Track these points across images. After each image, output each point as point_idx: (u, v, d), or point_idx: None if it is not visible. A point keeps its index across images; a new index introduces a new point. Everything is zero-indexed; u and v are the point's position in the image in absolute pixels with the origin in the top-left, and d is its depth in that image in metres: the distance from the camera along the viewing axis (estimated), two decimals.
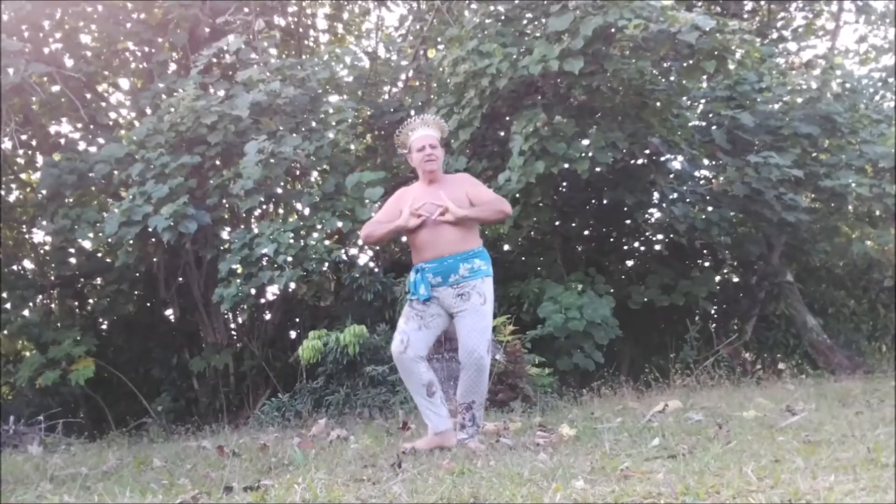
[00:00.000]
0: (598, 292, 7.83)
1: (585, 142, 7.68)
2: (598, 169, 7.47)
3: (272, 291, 9.05)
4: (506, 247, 9.16)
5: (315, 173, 8.68)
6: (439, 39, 9.29)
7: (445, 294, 3.90)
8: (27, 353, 9.34)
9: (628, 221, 9.38)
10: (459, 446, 3.79)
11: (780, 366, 9.67)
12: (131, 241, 7.63)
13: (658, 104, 7.82)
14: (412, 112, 9.09)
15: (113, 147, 8.15)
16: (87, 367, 8.21)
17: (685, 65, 7.52)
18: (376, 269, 8.89)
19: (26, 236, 10.22)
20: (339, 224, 7.51)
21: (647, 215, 9.20)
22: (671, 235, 8.92)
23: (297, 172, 8.85)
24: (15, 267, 9.71)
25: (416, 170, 4.15)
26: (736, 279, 10.35)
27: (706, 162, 8.93)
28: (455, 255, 3.88)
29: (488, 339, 3.91)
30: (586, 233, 9.56)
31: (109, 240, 7.74)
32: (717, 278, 9.73)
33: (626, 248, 9.81)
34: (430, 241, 3.91)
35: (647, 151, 8.54)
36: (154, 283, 9.62)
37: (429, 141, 4.01)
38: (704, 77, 8.23)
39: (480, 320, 3.87)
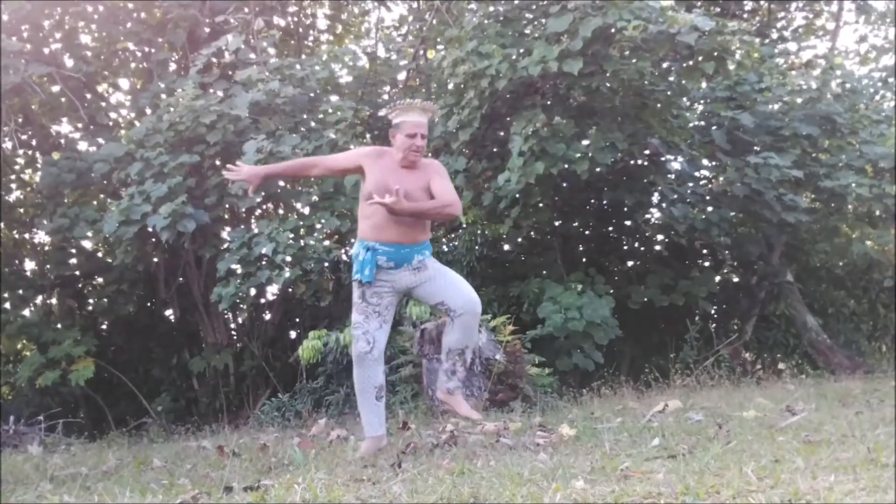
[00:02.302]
0: (597, 292, 7.82)
1: (585, 142, 7.69)
2: (597, 169, 7.46)
3: (272, 291, 9.06)
4: (506, 247, 9.16)
5: None
6: (439, 40, 9.29)
7: (400, 275, 3.89)
8: (27, 353, 9.34)
9: (628, 222, 9.38)
10: (452, 392, 3.97)
11: (780, 366, 9.67)
12: (130, 241, 7.63)
13: (658, 105, 7.82)
14: None
15: (112, 146, 8.15)
16: (87, 367, 8.22)
17: (685, 66, 7.52)
18: None
19: (26, 236, 10.22)
20: (338, 223, 7.51)
21: (646, 216, 9.20)
22: (671, 236, 8.92)
23: None
24: (15, 267, 9.71)
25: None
26: (736, 279, 10.35)
27: (706, 162, 8.93)
28: (413, 245, 3.88)
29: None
30: (586, 233, 9.55)
31: (108, 237, 7.74)
32: (717, 278, 9.73)
33: (626, 248, 9.81)
34: (388, 224, 3.82)
35: (647, 152, 8.54)
36: (154, 283, 9.62)
37: (421, 130, 3.94)
38: (704, 78, 8.22)
39: (455, 274, 3.99)
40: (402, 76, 10.19)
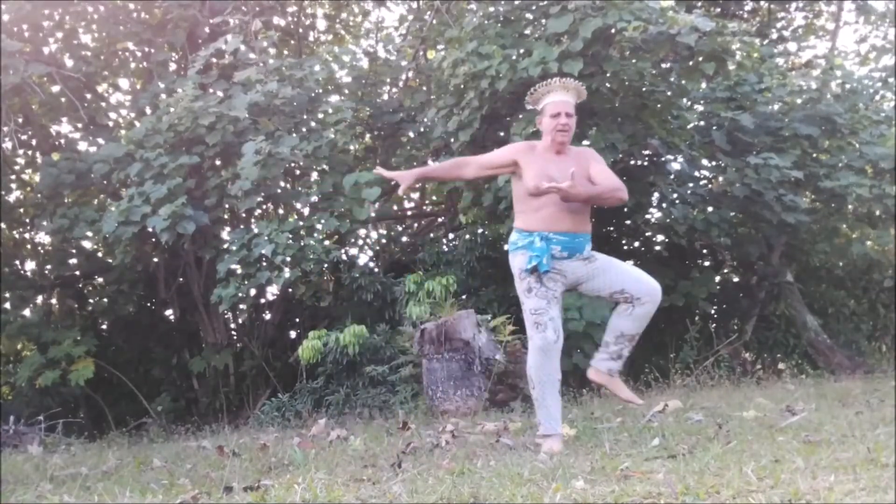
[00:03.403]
0: None
1: (585, 143, 7.68)
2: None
3: (272, 291, 9.06)
4: (506, 247, 9.15)
5: (315, 173, 8.68)
6: (438, 40, 9.29)
7: (571, 266, 3.77)
8: (27, 353, 9.33)
9: (628, 222, 9.37)
10: (601, 377, 3.88)
11: (780, 366, 9.67)
12: (130, 241, 7.63)
13: (658, 105, 7.82)
14: (412, 113, 9.11)
15: (112, 147, 8.15)
16: (87, 367, 8.22)
17: (685, 66, 7.52)
18: (376, 269, 8.90)
19: (26, 236, 10.22)
20: (337, 224, 7.50)
21: (646, 216, 9.19)
22: (671, 236, 8.92)
23: (297, 173, 8.86)
24: (15, 267, 9.71)
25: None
26: (736, 279, 10.35)
27: (706, 163, 8.93)
28: (585, 234, 3.79)
29: None
30: None
31: (108, 238, 7.74)
32: (717, 279, 9.73)
33: (626, 248, 9.80)
34: (562, 213, 3.72)
35: (647, 152, 8.54)
36: (154, 283, 9.62)
37: (565, 108, 3.78)
38: (704, 78, 8.23)
39: (622, 262, 3.89)
40: (401, 76, 10.19)
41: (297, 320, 9.71)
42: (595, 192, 3.73)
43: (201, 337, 9.49)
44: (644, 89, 7.54)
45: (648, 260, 9.42)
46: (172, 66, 9.68)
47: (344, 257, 8.21)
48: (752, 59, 8.20)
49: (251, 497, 2.85)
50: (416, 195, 11.58)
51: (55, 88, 9.03)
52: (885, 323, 10.12)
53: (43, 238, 10.06)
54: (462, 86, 7.51)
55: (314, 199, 8.03)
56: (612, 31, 7.05)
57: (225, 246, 7.97)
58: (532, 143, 3.96)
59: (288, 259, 7.15)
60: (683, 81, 7.80)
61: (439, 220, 10.47)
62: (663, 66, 7.75)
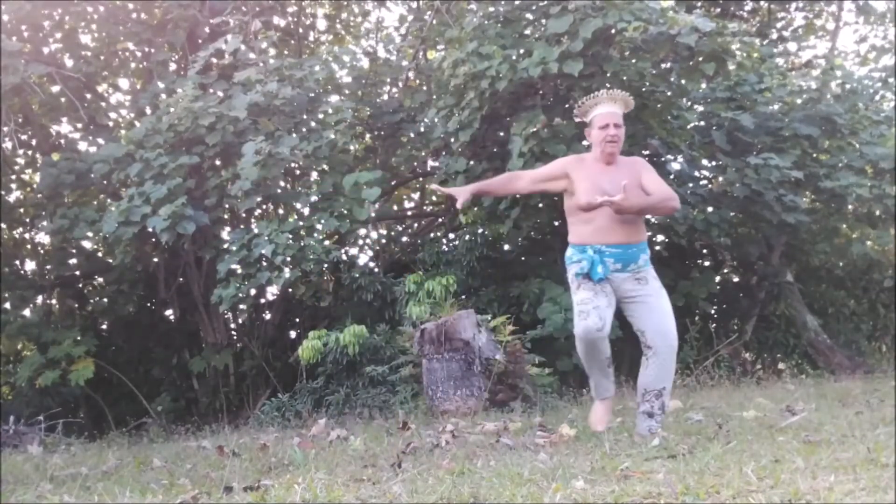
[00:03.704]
0: None
1: (585, 143, 7.68)
2: None
3: (272, 291, 9.07)
4: (506, 247, 9.16)
5: (315, 174, 8.68)
6: (438, 40, 9.30)
7: (622, 279, 3.79)
8: (27, 353, 9.34)
9: None
10: (647, 436, 3.66)
11: (780, 366, 9.68)
12: (130, 241, 7.63)
13: (658, 106, 7.82)
14: (412, 113, 9.11)
15: (111, 147, 8.15)
16: (87, 367, 8.22)
17: (685, 66, 7.52)
18: (376, 269, 8.90)
19: (26, 236, 10.23)
20: (337, 224, 7.50)
21: (646, 216, 9.18)
22: (671, 236, 8.92)
23: (297, 173, 8.86)
24: (15, 267, 9.71)
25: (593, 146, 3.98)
26: (736, 279, 10.36)
27: (706, 163, 8.93)
28: (639, 244, 3.80)
29: (674, 320, 3.84)
30: None
31: (107, 237, 7.74)
32: (717, 279, 9.73)
33: None
34: (613, 225, 3.75)
35: (647, 153, 8.52)
36: (154, 283, 9.62)
37: (613, 120, 3.84)
38: (704, 78, 8.23)
39: (665, 302, 3.80)
40: (402, 76, 10.19)
41: (297, 320, 9.71)
42: (648, 204, 3.79)
43: (201, 337, 9.49)
44: (644, 89, 7.54)
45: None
46: (172, 66, 9.68)
47: (344, 257, 8.21)
48: (752, 60, 8.20)
49: (251, 497, 2.85)
50: (415, 195, 11.59)
51: (55, 88, 9.03)
52: (885, 323, 10.12)
53: (43, 238, 10.06)
54: (462, 86, 7.51)
55: (314, 199, 8.03)
56: (613, 31, 7.05)
57: (225, 246, 7.97)
58: (581, 156, 4.05)
59: (288, 259, 7.15)
60: (683, 81, 7.80)
61: (439, 220, 10.47)
62: (663, 66, 7.74)
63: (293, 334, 9.71)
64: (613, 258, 3.76)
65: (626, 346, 8.62)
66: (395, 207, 11.08)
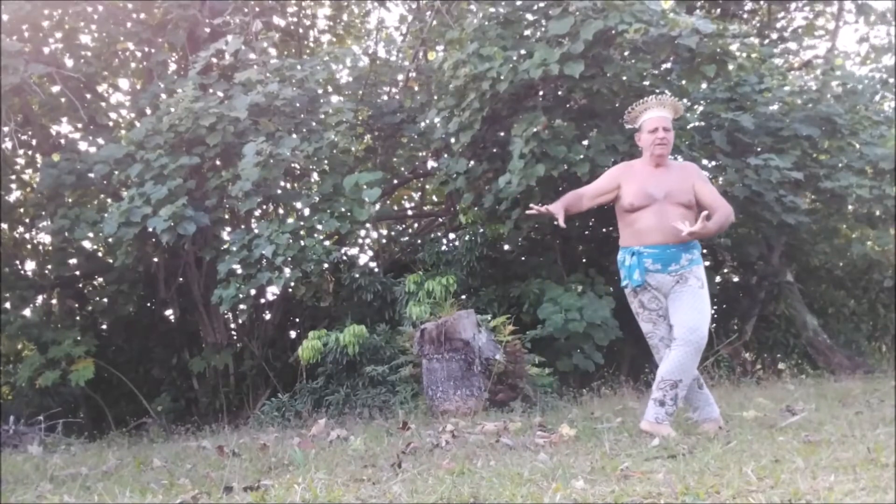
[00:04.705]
0: (597, 293, 7.83)
1: (586, 144, 7.69)
2: (598, 171, 7.47)
3: (272, 292, 9.07)
4: (506, 247, 9.16)
5: (315, 174, 8.68)
6: (439, 41, 9.30)
7: (663, 280, 3.88)
8: (27, 353, 9.34)
9: None
10: (653, 423, 3.78)
11: (780, 366, 9.68)
12: (130, 242, 7.63)
13: None
14: (413, 114, 9.11)
15: (112, 147, 8.14)
16: (87, 367, 8.22)
17: (685, 68, 7.52)
18: (376, 269, 8.91)
19: (26, 236, 10.22)
20: (338, 224, 7.51)
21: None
22: None
23: (298, 173, 8.86)
24: (15, 267, 9.71)
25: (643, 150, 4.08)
26: (736, 279, 10.36)
27: (706, 163, 8.92)
28: (679, 245, 3.84)
29: (708, 321, 3.89)
30: (586, 233, 9.55)
31: (109, 239, 7.74)
32: (717, 279, 9.73)
33: None
34: (654, 225, 3.85)
35: None
36: (154, 283, 9.63)
37: (662, 123, 3.96)
38: (704, 79, 8.23)
39: (700, 301, 3.85)
40: (402, 77, 10.20)
41: (297, 320, 9.71)
42: (720, 225, 3.87)
43: (201, 337, 9.49)
44: (645, 90, 7.53)
45: None
46: (172, 67, 9.68)
47: (344, 257, 8.21)
48: (752, 60, 8.20)
49: (251, 497, 2.85)
50: (416, 195, 11.59)
51: (55, 88, 9.03)
52: (885, 323, 10.13)
53: (43, 238, 10.07)
54: (463, 87, 7.51)
55: (314, 199, 8.03)
56: (613, 33, 7.05)
57: (225, 246, 7.97)
58: (630, 163, 4.18)
59: (288, 259, 7.15)
60: (684, 82, 7.81)
61: (439, 220, 10.48)
62: (664, 66, 7.75)
63: (293, 334, 9.71)
64: (652, 258, 3.86)
65: (626, 345, 8.67)
66: (395, 207, 11.09)
